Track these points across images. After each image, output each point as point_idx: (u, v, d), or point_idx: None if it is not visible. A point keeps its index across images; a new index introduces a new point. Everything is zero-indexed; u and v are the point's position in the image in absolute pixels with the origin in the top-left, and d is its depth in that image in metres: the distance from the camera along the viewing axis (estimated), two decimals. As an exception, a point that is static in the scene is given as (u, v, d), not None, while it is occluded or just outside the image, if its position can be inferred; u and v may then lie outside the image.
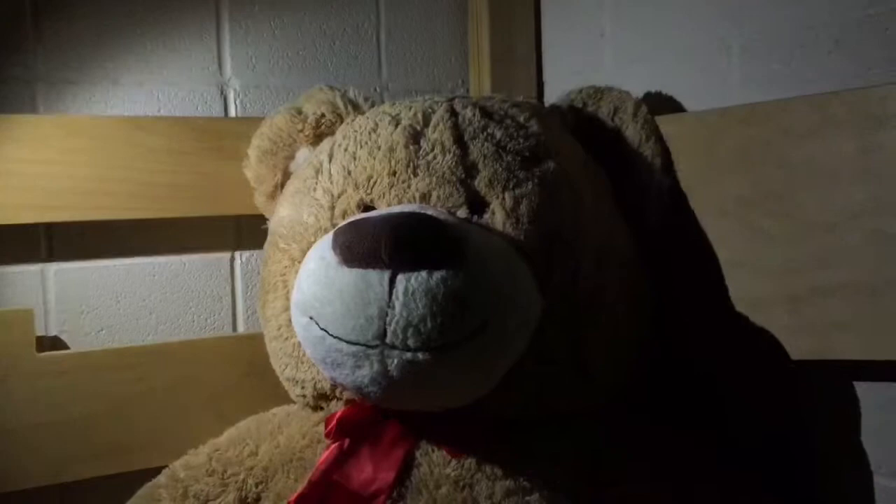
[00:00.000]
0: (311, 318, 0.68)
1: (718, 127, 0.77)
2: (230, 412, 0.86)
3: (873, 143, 0.64)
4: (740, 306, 0.74)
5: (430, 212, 0.68)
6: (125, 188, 0.86)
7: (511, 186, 0.72)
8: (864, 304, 0.65)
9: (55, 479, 0.83)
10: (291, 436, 0.78)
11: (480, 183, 0.72)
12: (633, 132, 0.80)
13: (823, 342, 0.68)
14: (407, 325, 0.63)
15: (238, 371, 0.90)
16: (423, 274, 0.63)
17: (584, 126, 0.81)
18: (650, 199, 0.79)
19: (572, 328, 0.71)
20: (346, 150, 0.78)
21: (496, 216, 0.71)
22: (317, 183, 0.78)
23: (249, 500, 0.78)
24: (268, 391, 0.86)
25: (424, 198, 0.72)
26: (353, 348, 0.65)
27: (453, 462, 0.70)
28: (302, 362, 0.76)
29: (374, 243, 0.64)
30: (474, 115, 0.76)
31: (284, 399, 0.83)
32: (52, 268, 0.87)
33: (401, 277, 0.63)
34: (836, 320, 0.67)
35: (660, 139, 0.80)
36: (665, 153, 0.79)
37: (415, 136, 0.75)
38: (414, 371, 0.65)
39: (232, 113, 0.95)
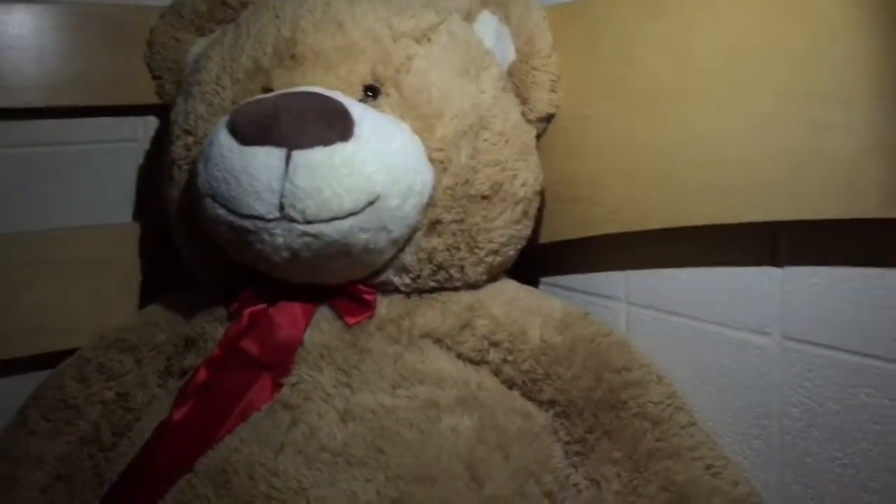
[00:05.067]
0: (211, 197, 0.71)
1: (600, 15, 0.81)
2: (141, 295, 0.89)
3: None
4: (617, 178, 0.80)
5: (323, 92, 0.71)
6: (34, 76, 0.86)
7: (403, 69, 0.76)
8: (725, 173, 0.71)
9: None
10: (198, 314, 0.82)
11: (375, 66, 0.75)
12: (525, 22, 0.83)
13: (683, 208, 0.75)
14: (303, 198, 0.67)
15: (148, 255, 0.92)
16: (318, 149, 0.67)
17: (475, 14, 0.84)
18: (539, 87, 0.83)
19: (462, 202, 0.75)
20: (241, 38, 0.80)
21: (391, 97, 0.75)
22: (213, 72, 0.80)
23: (160, 374, 0.82)
24: (176, 274, 0.89)
25: (320, 81, 0.75)
26: (254, 223, 0.69)
27: (351, 329, 0.74)
28: (206, 243, 0.78)
29: (269, 121, 0.67)
30: None
31: (192, 280, 0.85)
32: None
33: (296, 153, 0.66)
34: (697, 188, 0.73)
35: (547, 29, 0.83)
36: (553, 43, 0.83)
37: (310, 22, 0.77)
38: (311, 242, 0.69)
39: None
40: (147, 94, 0.89)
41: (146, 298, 0.88)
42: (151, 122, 0.92)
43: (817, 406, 0.70)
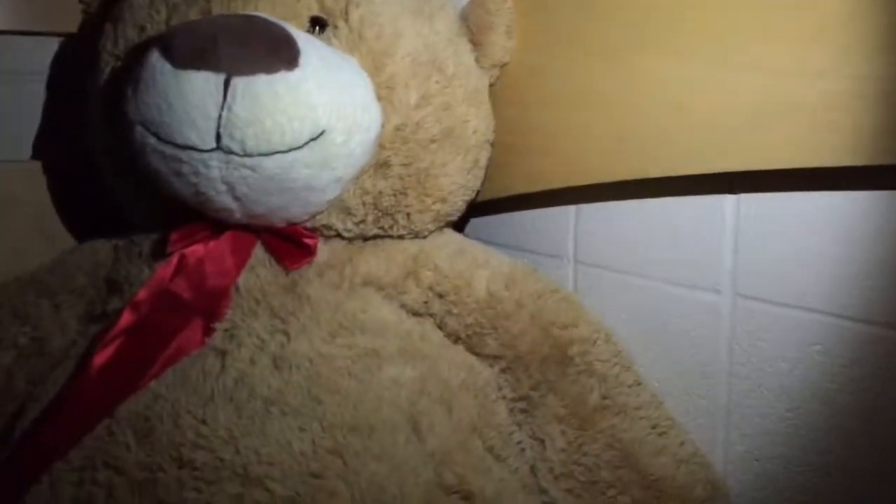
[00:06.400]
0: (141, 125, 0.66)
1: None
2: (60, 237, 0.83)
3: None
4: (571, 129, 0.77)
5: (266, 17, 0.67)
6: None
7: (353, 2, 0.72)
8: (682, 123, 0.69)
9: None
10: (123, 256, 0.76)
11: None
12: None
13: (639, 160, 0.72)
14: (242, 128, 0.62)
15: (66, 195, 0.87)
16: (261, 76, 0.62)
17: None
18: (493, 32, 0.80)
19: (410, 145, 0.72)
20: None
21: (339, 31, 0.71)
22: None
23: (79, 319, 0.77)
24: (100, 215, 0.83)
25: (264, 9, 0.70)
26: (188, 154, 0.64)
27: (290, 274, 0.70)
28: (137, 178, 0.73)
29: (206, 43, 0.62)
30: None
31: (118, 221, 0.80)
32: None
33: (237, 80, 0.62)
34: (653, 139, 0.71)
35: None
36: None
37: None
38: (249, 176, 0.64)
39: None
40: (61, 21, 0.83)
41: (65, 240, 0.82)
42: (61, 50, 0.85)
43: (767, 365, 0.68)
